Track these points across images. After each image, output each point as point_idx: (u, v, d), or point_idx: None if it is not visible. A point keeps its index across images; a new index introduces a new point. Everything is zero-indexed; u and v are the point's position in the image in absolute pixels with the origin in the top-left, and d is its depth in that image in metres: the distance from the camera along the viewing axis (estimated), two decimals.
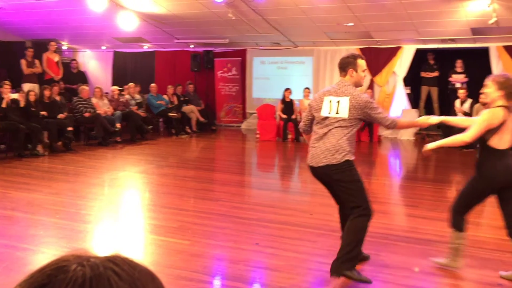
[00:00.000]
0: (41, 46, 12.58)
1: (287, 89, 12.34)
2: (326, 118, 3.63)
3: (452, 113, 11.21)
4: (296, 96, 12.69)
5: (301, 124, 4.01)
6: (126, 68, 15.44)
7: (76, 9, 11.81)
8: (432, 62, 12.91)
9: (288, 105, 12.24)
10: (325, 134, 3.63)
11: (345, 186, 3.67)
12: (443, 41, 11.90)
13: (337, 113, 3.60)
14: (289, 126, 12.05)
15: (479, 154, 3.85)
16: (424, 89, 13.01)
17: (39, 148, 9.25)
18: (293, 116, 12.15)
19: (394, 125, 3.80)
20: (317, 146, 3.67)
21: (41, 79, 11.67)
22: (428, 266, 3.93)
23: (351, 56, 3.76)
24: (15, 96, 9.39)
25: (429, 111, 13.22)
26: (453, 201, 3.97)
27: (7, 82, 9.26)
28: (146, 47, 14.99)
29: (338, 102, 3.61)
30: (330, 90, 3.72)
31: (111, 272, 0.67)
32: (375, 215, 5.42)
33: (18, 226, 4.96)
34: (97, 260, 0.69)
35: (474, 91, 11.38)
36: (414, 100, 13.07)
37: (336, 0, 10.12)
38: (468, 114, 10.96)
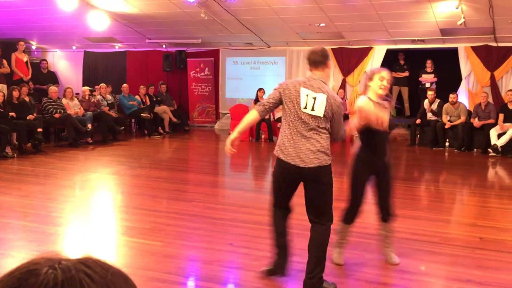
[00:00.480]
0: (9, 46, 12.31)
1: (260, 89, 12.36)
2: (303, 113, 3.40)
3: (422, 112, 11.42)
4: None
5: (265, 102, 3.62)
6: (97, 68, 15.24)
7: (46, 8, 11.59)
8: (402, 62, 13.11)
9: None
10: (311, 131, 3.41)
11: (326, 190, 3.55)
12: (413, 41, 12.10)
13: (312, 109, 3.39)
14: (262, 126, 12.07)
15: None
16: (395, 89, 13.20)
17: (8, 150, 9.06)
18: (266, 116, 12.15)
19: (344, 138, 3.67)
20: (302, 144, 3.40)
21: (10, 80, 11.42)
22: (400, 263, 3.99)
23: (324, 51, 3.57)
24: None
25: (400, 110, 13.44)
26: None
27: None
28: (117, 47, 14.82)
29: (315, 98, 3.40)
30: (305, 83, 3.46)
31: (83, 274, 0.66)
32: None
33: None
34: (68, 263, 0.68)
35: (443, 90, 11.64)
36: None
37: (308, 1, 10.19)
38: (436, 113, 11.18)
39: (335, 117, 3.46)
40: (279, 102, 3.53)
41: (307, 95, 3.42)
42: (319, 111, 3.40)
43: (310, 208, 3.60)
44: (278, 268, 3.69)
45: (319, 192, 3.53)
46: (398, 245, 4.43)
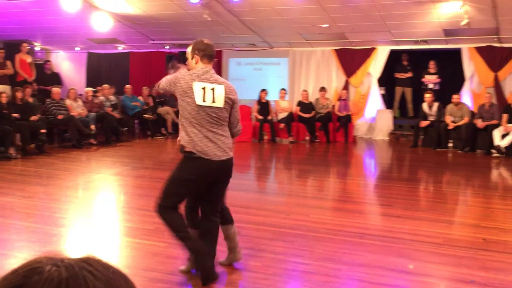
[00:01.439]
0: (13, 47, 12.35)
1: (263, 90, 12.37)
2: (202, 107, 3.39)
3: (422, 116, 11.39)
4: (272, 97, 12.73)
5: (163, 85, 3.62)
6: (101, 69, 15.26)
7: (49, 9, 11.62)
8: (405, 63, 13.10)
9: (264, 106, 12.27)
10: (215, 124, 3.43)
11: (227, 184, 3.67)
12: (416, 42, 12.08)
13: (213, 102, 3.42)
14: (265, 127, 12.07)
15: None
16: (398, 90, 13.18)
17: (11, 151, 9.07)
18: (269, 117, 12.18)
19: (239, 133, 3.73)
20: (212, 137, 3.43)
21: (13, 81, 11.45)
22: (403, 264, 3.99)
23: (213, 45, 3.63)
24: None
25: (403, 111, 13.42)
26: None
27: None
28: (120, 48, 14.85)
29: (213, 89, 3.43)
30: (199, 76, 3.45)
31: (86, 272, 0.67)
32: (352, 215, 5.50)
33: None
34: (71, 261, 0.69)
35: (446, 91, 11.62)
36: (388, 100, 13.25)
37: (311, 2, 10.19)
38: (434, 116, 11.16)
39: (235, 108, 3.57)
40: (173, 93, 3.56)
41: (203, 88, 3.43)
42: (219, 102, 3.45)
43: (215, 203, 3.63)
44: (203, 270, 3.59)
45: (226, 184, 3.66)
46: (400, 246, 4.42)
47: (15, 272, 0.67)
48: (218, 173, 3.52)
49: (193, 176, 3.47)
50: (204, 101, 3.41)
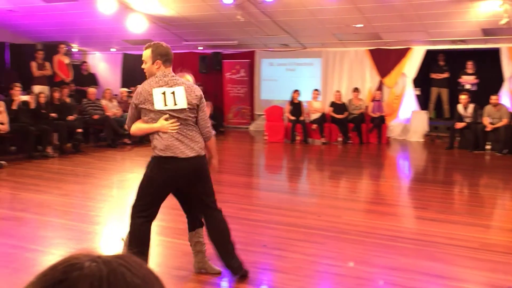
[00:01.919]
0: (51, 49, 12.66)
1: (295, 91, 12.33)
2: (164, 111, 3.39)
3: (458, 117, 11.14)
4: (305, 97, 12.69)
5: (128, 123, 3.65)
6: (135, 70, 15.43)
7: (86, 11, 11.88)
8: (442, 63, 12.84)
9: (296, 107, 12.22)
10: (181, 125, 3.43)
11: (205, 181, 3.60)
12: (454, 42, 11.83)
13: (175, 104, 3.41)
14: (297, 127, 12.03)
15: None
16: (434, 91, 12.93)
17: (49, 150, 9.31)
18: (301, 118, 12.13)
19: (210, 136, 3.61)
20: (181, 137, 3.43)
21: (51, 81, 11.74)
22: (436, 268, 3.90)
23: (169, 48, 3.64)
24: (25, 98, 9.47)
25: (439, 112, 13.16)
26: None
27: (17, 84, 9.34)
28: None
29: (173, 93, 3.42)
30: (157, 82, 3.45)
31: (123, 268, 0.68)
32: (384, 217, 5.42)
33: (28, 227, 4.99)
34: (108, 257, 0.70)
35: (484, 92, 11.33)
36: (423, 101, 13.02)
37: (345, 1, 10.10)
38: (470, 118, 10.90)
39: (201, 109, 3.52)
40: (139, 113, 3.51)
41: (163, 93, 3.41)
42: (182, 103, 3.42)
43: (202, 201, 3.62)
44: None
45: (204, 182, 3.58)
46: (435, 249, 4.34)
47: (54, 268, 0.68)
48: (187, 172, 3.47)
49: (161, 176, 3.47)
50: (165, 105, 3.40)
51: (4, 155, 9.03)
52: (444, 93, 12.81)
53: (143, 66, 3.61)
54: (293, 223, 5.12)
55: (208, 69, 14.53)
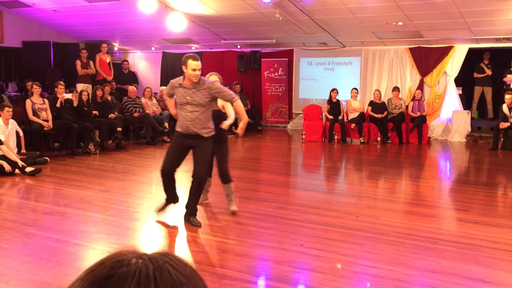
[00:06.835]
0: (93, 48, 12.97)
1: (333, 90, 12.22)
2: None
3: (503, 117, 10.81)
4: (343, 96, 12.56)
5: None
6: (175, 68, 15.67)
7: (127, 11, 12.11)
8: (486, 61, 12.49)
9: (334, 106, 12.12)
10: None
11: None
12: (498, 40, 11.49)
13: None
14: (336, 127, 11.92)
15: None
16: (478, 90, 12.60)
17: (91, 147, 9.54)
18: (340, 117, 12.02)
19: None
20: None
21: (94, 80, 12.03)
22: (479, 272, 3.80)
23: (185, 56, 4.77)
24: (68, 96, 9.73)
25: (482, 112, 12.81)
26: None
27: (61, 82, 9.61)
28: (194, 48, 15.19)
29: None
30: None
31: (169, 265, 0.69)
32: (425, 219, 5.31)
33: (70, 222, 5.12)
34: (153, 255, 0.71)
35: None
36: (466, 101, 12.70)
37: None
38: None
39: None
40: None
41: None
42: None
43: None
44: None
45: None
46: (478, 253, 4.22)
47: (102, 264, 0.69)
48: None
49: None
50: None
51: (48, 151, 9.32)
52: (488, 92, 12.47)
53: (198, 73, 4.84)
54: (331, 223, 5.08)
55: (247, 67, 14.57)
